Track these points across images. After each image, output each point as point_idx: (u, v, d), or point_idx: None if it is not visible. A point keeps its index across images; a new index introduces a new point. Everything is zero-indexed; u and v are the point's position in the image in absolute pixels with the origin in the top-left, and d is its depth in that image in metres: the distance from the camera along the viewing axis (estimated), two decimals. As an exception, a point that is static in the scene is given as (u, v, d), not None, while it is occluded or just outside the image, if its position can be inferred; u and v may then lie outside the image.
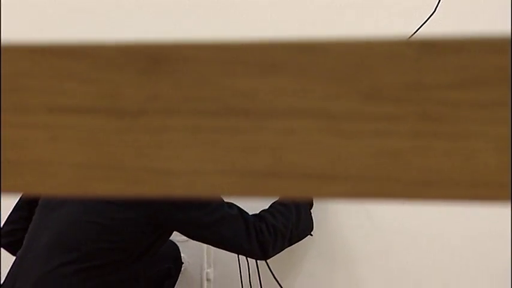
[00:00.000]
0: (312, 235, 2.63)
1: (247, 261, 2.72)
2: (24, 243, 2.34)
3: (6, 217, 2.55)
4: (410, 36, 0.45)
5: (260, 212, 2.47)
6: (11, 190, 0.50)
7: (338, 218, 2.73)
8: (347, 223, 2.72)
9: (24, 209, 2.48)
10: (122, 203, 2.22)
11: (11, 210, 2.53)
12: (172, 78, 0.46)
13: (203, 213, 2.28)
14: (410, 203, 0.43)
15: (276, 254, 2.48)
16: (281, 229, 2.40)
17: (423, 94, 0.43)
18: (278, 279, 2.66)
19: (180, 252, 2.69)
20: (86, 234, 2.22)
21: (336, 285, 2.75)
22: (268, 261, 2.66)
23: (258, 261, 2.70)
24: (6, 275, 2.35)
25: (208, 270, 2.80)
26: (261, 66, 0.44)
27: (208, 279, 2.81)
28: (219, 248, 2.41)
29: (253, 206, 2.54)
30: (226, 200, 2.47)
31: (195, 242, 2.39)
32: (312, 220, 2.59)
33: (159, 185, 0.48)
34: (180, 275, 2.79)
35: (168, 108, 0.47)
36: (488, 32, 0.42)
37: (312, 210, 2.61)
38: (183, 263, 2.78)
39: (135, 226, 2.22)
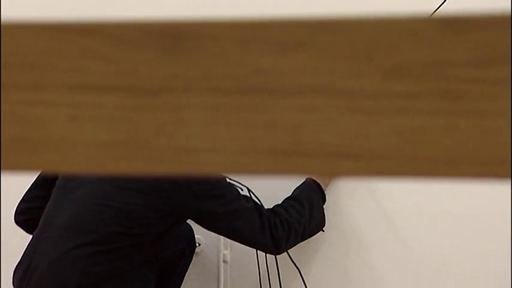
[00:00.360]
0: (323, 231, 2.63)
1: (257, 258, 2.73)
2: (40, 223, 2.35)
3: (23, 195, 2.56)
4: (432, 14, 0.45)
5: (274, 206, 2.47)
6: (31, 168, 0.51)
7: (349, 203, 2.73)
8: (357, 208, 2.72)
9: (42, 188, 2.49)
10: (139, 188, 2.22)
11: (27, 189, 2.54)
12: (192, 57, 0.46)
13: (219, 203, 2.28)
14: (431, 181, 0.43)
15: (289, 248, 2.49)
16: (294, 224, 2.40)
17: (444, 72, 0.42)
18: (295, 261, 2.66)
19: (193, 233, 2.70)
20: (102, 217, 2.23)
21: (350, 268, 2.75)
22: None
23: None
24: (22, 253, 2.36)
25: (225, 251, 2.81)
26: (281, 44, 0.44)
27: (225, 261, 2.81)
28: (232, 239, 2.41)
29: (270, 194, 2.55)
30: (245, 182, 2.48)
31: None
32: (324, 215, 2.59)
33: (178, 163, 0.48)
34: (197, 256, 2.79)
35: (188, 87, 0.47)
36: (510, 10, 0.42)
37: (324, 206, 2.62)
38: (197, 244, 2.78)
39: (151, 212, 2.23)
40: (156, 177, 2.22)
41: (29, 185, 2.55)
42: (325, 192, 2.61)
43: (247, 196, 2.40)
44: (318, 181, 2.59)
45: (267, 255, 2.72)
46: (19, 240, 2.49)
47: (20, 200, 2.55)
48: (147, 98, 0.47)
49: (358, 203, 2.73)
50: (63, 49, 0.47)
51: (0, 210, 3.00)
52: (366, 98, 0.43)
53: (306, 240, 2.60)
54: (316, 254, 2.67)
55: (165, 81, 0.47)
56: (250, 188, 2.73)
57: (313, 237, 2.61)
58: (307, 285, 2.65)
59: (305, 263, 2.69)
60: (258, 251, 2.74)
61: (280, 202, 2.70)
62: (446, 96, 0.42)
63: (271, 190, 2.78)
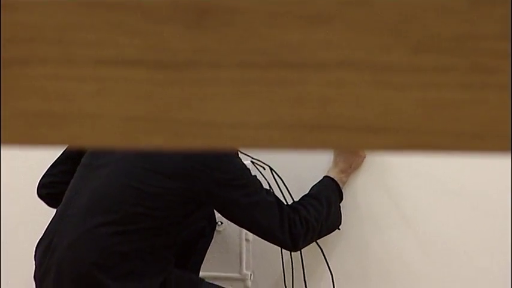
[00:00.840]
0: (339, 229, 2.63)
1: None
2: (63, 200, 2.37)
3: (46, 169, 2.57)
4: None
5: (293, 203, 2.47)
6: (57, 142, 0.51)
7: (367, 181, 2.73)
8: (375, 186, 2.72)
9: (66, 163, 2.49)
10: (163, 172, 2.22)
11: (52, 163, 2.54)
12: (220, 31, 0.46)
13: (241, 194, 2.28)
14: (459, 155, 0.43)
15: (305, 246, 2.50)
16: (313, 223, 2.40)
17: (473, 45, 0.42)
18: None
19: (214, 211, 2.70)
20: (124, 197, 2.24)
21: (370, 247, 2.75)
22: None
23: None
24: (45, 229, 2.38)
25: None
26: (309, 18, 0.44)
27: (247, 240, 2.82)
28: (250, 231, 2.42)
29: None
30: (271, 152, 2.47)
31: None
32: (341, 214, 2.59)
33: (204, 138, 0.48)
34: (219, 235, 2.80)
35: (214, 61, 0.46)
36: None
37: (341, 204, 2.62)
38: (220, 223, 2.79)
39: (174, 196, 2.23)
40: (181, 162, 2.22)
41: (53, 160, 2.56)
42: (343, 190, 2.61)
43: (269, 190, 2.40)
44: (336, 179, 2.59)
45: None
46: (40, 216, 2.51)
47: (43, 174, 2.56)
48: (174, 73, 0.47)
49: (376, 181, 2.73)
50: (91, 23, 0.47)
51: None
52: (395, 72, 0.43)
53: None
54: (337, 232, 2.67)
55: (192, 56, 0.47)
56: (272, 167, 2.73)
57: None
58: (329, 263, 2.65)
59: (326, 241, 2.69)
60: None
61: (301, 182, 2.70)
62: (475, 70, 0.42)
63: (293, 169, 2.78)
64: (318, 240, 2.64)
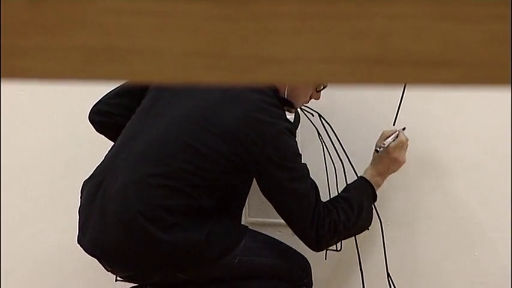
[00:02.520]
0: (368, 229, 2.59)
1: (335, 169, 2.73)
2: (118, 141, 2.38)
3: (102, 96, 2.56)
4: None
5: (328, 203, 2.42)
6: (117, 77, 0.51)
7: (425, 128, 2.71)
8: (431, 133, 2.70)
9: (125, 97, 2.48)
10: (220, 134, 2.22)
11: (108, 92, 2.52)
12: (279, -36, 0.45)
13: (286, 176, 2.27)
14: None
15: (329, 247, 2.51)
16: (340, 228, 2.38)
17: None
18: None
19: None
20: (179, 153, 2.25)
21: (422, 193, 2.74)
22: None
23: (345, 170, 2.70)
24: (95, 168, 2.40)
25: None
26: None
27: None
28: (279, 214, 2.39)
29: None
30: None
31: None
32: (372, 216, 2.53)
33: (264, 73, 0.48)
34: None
35: (274, -5, 0.46)
36: None
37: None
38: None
39: (226, 161, 2.24)
40: (239, 128, 2.22)
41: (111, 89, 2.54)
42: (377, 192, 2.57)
43: (313, 182, 2.37)
44: (372, 182, 2.54)
45: (338, 180, 2.72)
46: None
47: (99, 99, 2.53)
48: (234, 7, 0.47)
49: (435, 126, 2.71)
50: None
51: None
52: (457, 4, 0.42)
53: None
54: (387, 181, 2.66)
55: (251, -10, 0.46)
56: (321, 114, 2.73)
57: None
58: (377, 209, 2.65)
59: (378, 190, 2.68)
60: (330, 177, 2.74)
61: (349, 128, 2.69)
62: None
63: (341, 116, 2.77)
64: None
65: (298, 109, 2.67)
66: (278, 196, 2.34)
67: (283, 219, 2.40)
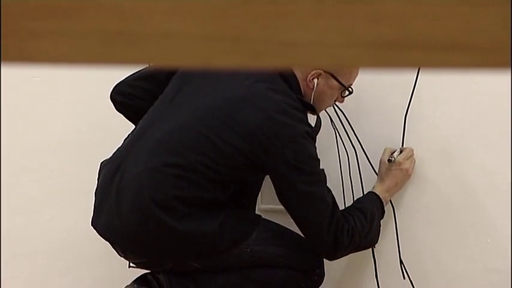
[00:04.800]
0: (374, 247, 2.58)
1: (348, 155, 2.72)
2: (138, 126, 2.38)
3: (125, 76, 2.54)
4: None
5: (344, 212, 2.39)
6: (134, 62, 0.51)
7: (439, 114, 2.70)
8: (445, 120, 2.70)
9: (149, 82, 2.46)
10: (240, 132, 2.21)
11: (132, 74, 2.50)
12: None
13: (303, 180, 2.25)
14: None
15: (342, 257, 2.43)
16: (357, 237, 2.35)
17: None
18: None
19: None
20: (198, 145, 2.24)
21: (432, 180, 2.74)
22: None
23: (357, 156, 2.70)
24: (114, 152, 2.40)
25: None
26: None
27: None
28: (295, 220, 2.35)
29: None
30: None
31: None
32: (379, 233, 2.50)
33: (282, 57, 0.48)
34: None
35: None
36: None
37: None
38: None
39: (243, 158, 2.22)
40: (259, 127, 2.22)
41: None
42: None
43: (330, 189, 2.35)
44: (381, 197, 2.51)
45: (351, 166, 2.71)
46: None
47: (123, 79, 2.51)
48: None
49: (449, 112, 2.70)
50: None
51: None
52: (477, -12, 0.42)
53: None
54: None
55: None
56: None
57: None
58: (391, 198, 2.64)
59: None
60: (342, 164, 2.74)
61: (362, 115, 2.69)
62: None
63: (355, 105, 2.77)
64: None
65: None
66: (294, 200, 2.31)
67: (298, 225, 2.36)
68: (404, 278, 2.67)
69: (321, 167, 2.35)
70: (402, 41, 0.44)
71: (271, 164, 2.24)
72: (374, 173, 2.66)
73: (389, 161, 2.55)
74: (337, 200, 2.45)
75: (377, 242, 2.54)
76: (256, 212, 2.55)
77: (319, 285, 2.51)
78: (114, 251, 2.41)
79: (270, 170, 2.28)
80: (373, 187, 2.56)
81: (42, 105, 3.08)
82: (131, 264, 2.53)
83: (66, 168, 3.06)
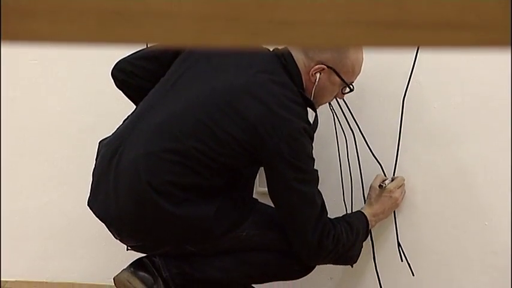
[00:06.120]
0: (352, 266, 2.55)
1: (346, 138, 2.72)
2: (138, 109, 2.37)
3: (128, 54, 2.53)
4: None
5: (333, 220, 2.38)
6: (132, 41, 0.51)
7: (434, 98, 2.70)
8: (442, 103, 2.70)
9: (153, 62, 2.44)
10: (239, 121, 2.21)
11: (134, 52, 2.49)
12: None
13: (295, 177, 2.24)
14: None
15: (320, 264, 2.44)
16: (340, 245, 2.33)
17: None
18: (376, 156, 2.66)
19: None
20: (195, 131, 2.23)
21: (436, 163, 2.74)
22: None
23: (355, 139, 2.70)
24: (113, 132, 2.40)
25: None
26: None
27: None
28: (280, 217, 2.34)
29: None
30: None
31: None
32: (359, 253, 2.48)
33: (279, 36, 0.48)
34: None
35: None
36: None
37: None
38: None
39: (240, 148, 2.22)
40: (258, 118, 2.21)
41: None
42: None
43: (320, 193, 2.33)
44: (369, 218, 2.49)
45: (349, 150, 2.71)
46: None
47: (125, 57, 2.49)
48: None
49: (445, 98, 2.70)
50: None
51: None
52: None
53: (391, 135, 2.61)
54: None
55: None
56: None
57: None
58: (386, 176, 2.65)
59: (388, 155, 2.68)
60: (340, 147, 2.74)
61: (361, 100, 2.69)
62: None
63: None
64: (379, 159, 2.64)
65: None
66: (283, 196, 2.30)
67: (284, 223, 2.35)
68: (402, 260, 2.68)
69: (318, 167, 2.35)
70: (400, 20, 0.44)
71: (267, 157, 2.24)
72: (373, 158, 2.66)
73: (380, 186, 2.55)
74: (335, 188, 2.46)
75: (356, 262, 2.51)
76: (254, 195, 2.56)
77: (313, 268, 2.51)
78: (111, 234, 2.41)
79: (265, 162, 2.27)
80: (362, 208, 2.55)
81: (39, 89, 3.07)
82: (129, 247, 2.53)
83: (64, 152, 3.06)
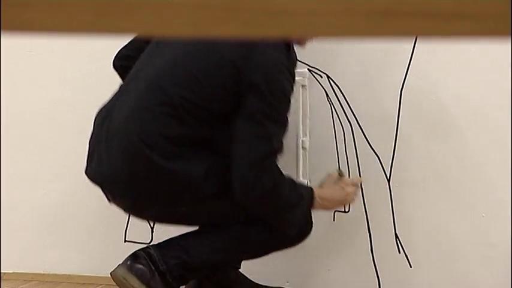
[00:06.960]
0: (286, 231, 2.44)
1: (343, 130, 2.73)
2: (127, 77, 2.42)
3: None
4: None
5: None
6: (127, 31, 0.51)
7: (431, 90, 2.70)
8: (438, 96, 2.70)
9: (146, 42, 2.49)
10: (220, 61, 2.24)
11: (133, 38, 2.52)
12: None
13: (261, 109, 2.24)
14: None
15: (252, 203, 2.35)
16: (276, 194, 2.30)
17: None
18: (374, 148, 2.66)
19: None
20: (180, 80, 2.27)
21: (433, 152, 2.75)
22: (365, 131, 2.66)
23: (353, 131, 2.70)
24: (108, 100, 2.42)
25: (304, 138, 2.81)
26: None
27: (304, 148, 2.82)
28: (232, 147, 2.28)
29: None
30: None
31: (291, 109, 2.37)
32: (296, 226, 2.41)
33: (276, 26, 0.47)
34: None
35: None
36: None
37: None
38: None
39: (222, 89, 2.24)
40: (240, 53, 2.23)
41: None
42: (315, 208, 2.47)
43: (283, 143, 2.32)
44: (315, 197, 2.43)
45: (346, 141, 2.72)
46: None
47: (122, 47, 2.58)
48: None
49: (441, 91, 2.71)
50: None
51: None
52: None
53: (389, 126, 2.61)
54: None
55: None
56: (329, 75, 2.72)
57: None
58: (385, 171, 2.65)
59: (385, 147, 2.68)
60: (337, 138, 2.74)
61: (357, 89, 2.69)
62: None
63: (349, 77, 2.77)
64: (376, 151, 2.64)
65: (307, 70, 2.67)
66: (243, 122, 2.27)
67: (233, 149, 2.28)
68: (399, 252, 2.68)
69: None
70: (398, 9, 0.44)
71: (243, 89, 2.25)
72: (371, 150, 2.67)
73: (339, 174, 2.53)
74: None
75: (289, 232, 2.44)
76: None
77: (309, 233, 2.51)
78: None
79: (242, 96, 2.27)
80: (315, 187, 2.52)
81: (36, 80, 3.08)
82: (127, 239, 2.53)
83: (61, 143, 3.06)
